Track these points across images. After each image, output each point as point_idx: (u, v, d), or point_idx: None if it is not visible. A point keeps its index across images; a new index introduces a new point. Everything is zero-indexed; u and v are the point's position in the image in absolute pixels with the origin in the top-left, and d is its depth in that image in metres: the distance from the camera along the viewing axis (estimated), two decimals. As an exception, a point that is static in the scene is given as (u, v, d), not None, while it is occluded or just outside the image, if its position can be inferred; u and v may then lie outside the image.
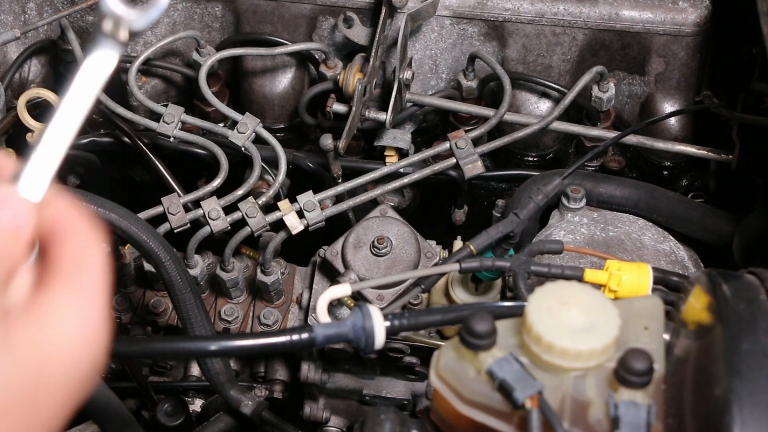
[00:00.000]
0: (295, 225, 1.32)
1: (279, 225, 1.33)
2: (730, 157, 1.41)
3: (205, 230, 1.32)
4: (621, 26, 1.44)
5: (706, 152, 1.43)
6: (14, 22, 1.51)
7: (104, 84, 0.59)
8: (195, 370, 1.48)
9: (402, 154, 1.47)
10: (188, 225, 1.33)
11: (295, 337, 0.88)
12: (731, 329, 0.76)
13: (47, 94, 1.38)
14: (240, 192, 1.34)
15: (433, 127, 1.55)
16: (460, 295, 1.29)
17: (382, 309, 1.25)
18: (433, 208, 1.54)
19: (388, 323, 0.89)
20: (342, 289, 0.98)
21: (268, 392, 1.42)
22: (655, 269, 1.05)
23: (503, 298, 1.29)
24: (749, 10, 1.20)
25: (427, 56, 1.49)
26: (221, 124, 1.43)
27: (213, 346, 0.87)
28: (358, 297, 1.27)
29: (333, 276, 1.32)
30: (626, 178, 1.42)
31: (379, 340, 0.88)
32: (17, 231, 0.56)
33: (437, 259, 1.31)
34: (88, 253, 0.60)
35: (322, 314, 0.95)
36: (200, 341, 0.87)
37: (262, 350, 0.88)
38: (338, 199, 1.38)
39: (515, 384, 0.77)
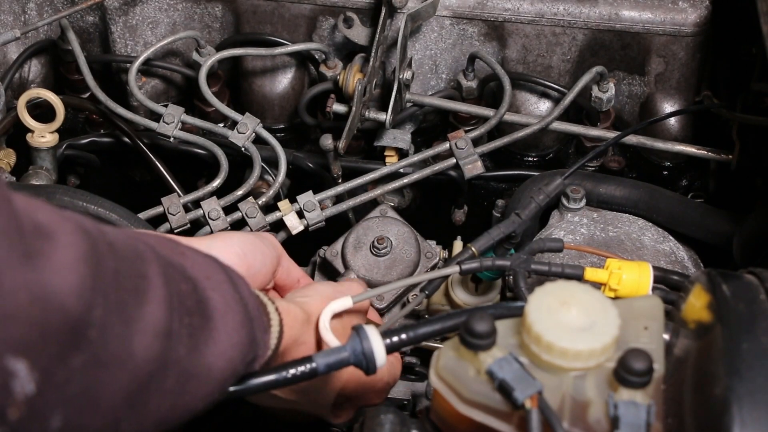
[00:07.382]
0: (295, 225, 1.32)
1: (279, 225, 1.34)
2: (730, 157, 1.40)
3: (205, 230, 1.32)
4: (621, 26, 1.44)
5: (706, 152, 1.43)
6: (14, 22, 1.50)
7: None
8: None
9: (402, 154, 1.46)
10: (188, 225, 1.34)
11: (297, 370, 0.86)
12: (731, 329, 0.76)
13: (47, 94, 1.38)
14: (240, 192, 1.34)
15: (433, 127, 1.55)
16: (461, 296, 1.29)
17: (380, 309, 1.26)
18: (433, 208, 1.54)
19: (387, 341, 0.89)
20: (343, 303, 0.97)
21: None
22: (655, 268, 1.05)
23: (503, 298, 1.29)
24: (749, 10, 1.20)
25: (427, 56, 1.49)
26: (221, 124, 1.43)
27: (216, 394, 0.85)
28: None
29: (333, 276, 1.32)
30: (626, 178, 1.42)
31: (380, 360, 0.87)
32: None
33: (437, 259, 1.31)
34: None
35: (325, 331, 0.94)
36: None
37: (265, 388, 0.87)
38: (338, 199, 1.38)
39: (515, 384, 0.77)
